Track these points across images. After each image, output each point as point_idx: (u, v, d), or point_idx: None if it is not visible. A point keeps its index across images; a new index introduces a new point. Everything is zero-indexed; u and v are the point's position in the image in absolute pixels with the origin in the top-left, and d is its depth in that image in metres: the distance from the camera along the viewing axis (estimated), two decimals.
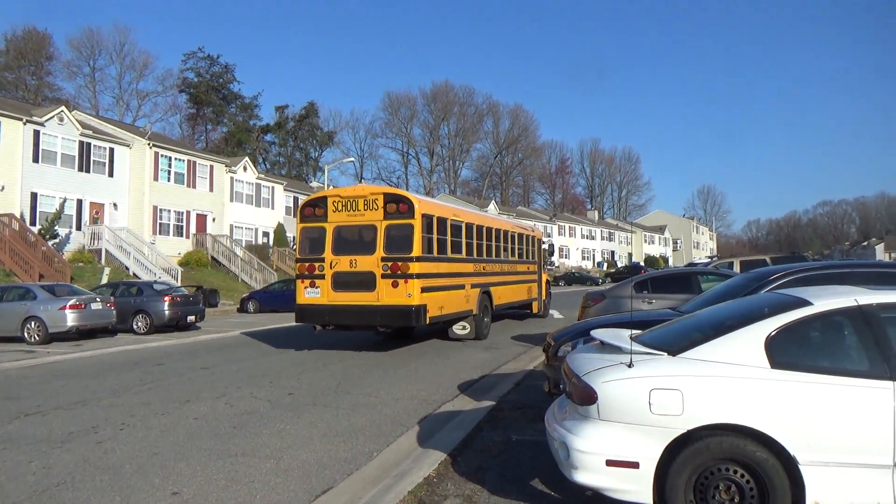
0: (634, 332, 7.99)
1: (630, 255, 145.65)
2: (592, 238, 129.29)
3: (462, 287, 23.47)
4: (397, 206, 21.01)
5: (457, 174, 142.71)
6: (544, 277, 34.08)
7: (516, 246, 30.19)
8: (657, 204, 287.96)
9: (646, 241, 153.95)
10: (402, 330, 24.75)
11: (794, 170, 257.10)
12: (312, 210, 21.77)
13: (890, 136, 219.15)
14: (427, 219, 21.43)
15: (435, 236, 21.88)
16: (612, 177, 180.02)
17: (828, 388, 6.54)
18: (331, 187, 67.85)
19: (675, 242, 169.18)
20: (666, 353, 6.99)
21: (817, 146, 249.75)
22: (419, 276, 20.66)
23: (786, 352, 6.75)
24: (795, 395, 6.52)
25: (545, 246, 36.65)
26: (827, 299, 7.02)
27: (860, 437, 6.43)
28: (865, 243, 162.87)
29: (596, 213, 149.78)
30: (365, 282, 20.79)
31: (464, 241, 24.11)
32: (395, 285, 20.56)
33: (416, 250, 20.73)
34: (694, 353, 6.85)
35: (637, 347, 7.11)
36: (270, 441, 10.69)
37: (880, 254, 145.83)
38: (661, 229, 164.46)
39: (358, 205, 21.29)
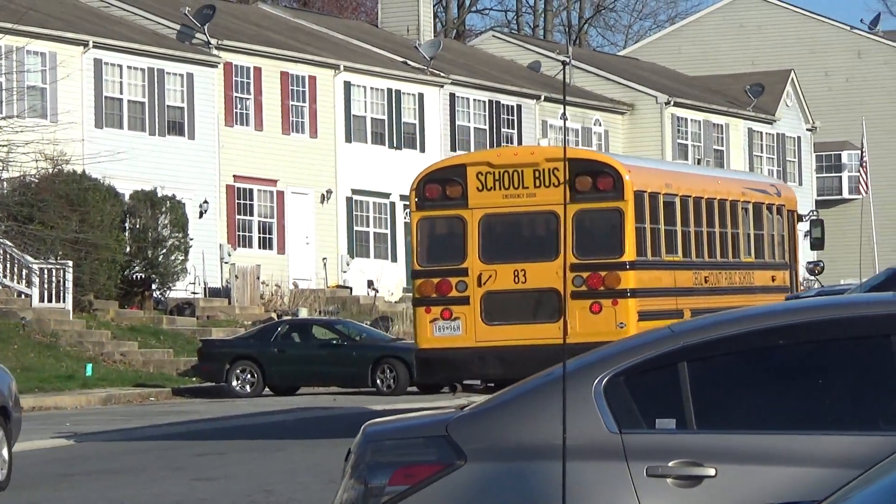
0: None
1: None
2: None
3: (681, 316, 15.86)
4: (594, 178, 14.71)
5: None
6: None
7: (752, 230, 18.52)
8: None
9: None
10: None
11: None
12: (440, 188, 15.02)
13: None
14: (640, 197, 15.22)
15: (648, 226, 15.50)
16: None
17: None
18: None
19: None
20: None
21: None
22: (636, 293, 14.81)
23: None
24: None
25: (803, 224, 22.37)
26: None
27: None
28: None
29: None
30: (541, 306, 14.77)
31: (679, 229, 16.59)
32: (596, 309, 14.41)
33: (630, 250, 14.83)
34: None
35: None
36: None
37: None
38: None
39: (523, 178, 14.68)
